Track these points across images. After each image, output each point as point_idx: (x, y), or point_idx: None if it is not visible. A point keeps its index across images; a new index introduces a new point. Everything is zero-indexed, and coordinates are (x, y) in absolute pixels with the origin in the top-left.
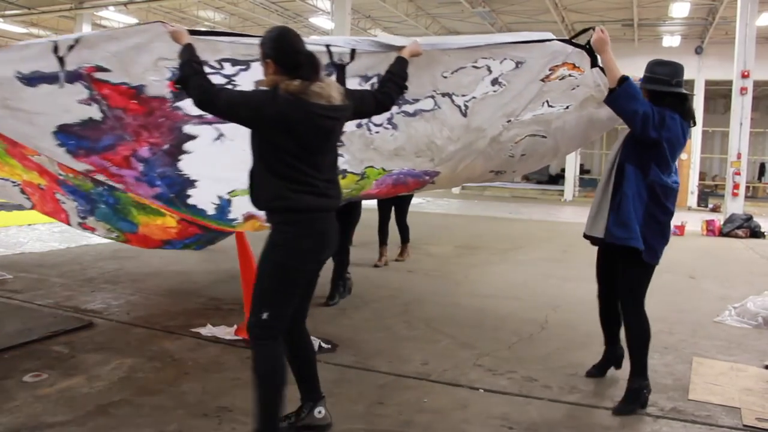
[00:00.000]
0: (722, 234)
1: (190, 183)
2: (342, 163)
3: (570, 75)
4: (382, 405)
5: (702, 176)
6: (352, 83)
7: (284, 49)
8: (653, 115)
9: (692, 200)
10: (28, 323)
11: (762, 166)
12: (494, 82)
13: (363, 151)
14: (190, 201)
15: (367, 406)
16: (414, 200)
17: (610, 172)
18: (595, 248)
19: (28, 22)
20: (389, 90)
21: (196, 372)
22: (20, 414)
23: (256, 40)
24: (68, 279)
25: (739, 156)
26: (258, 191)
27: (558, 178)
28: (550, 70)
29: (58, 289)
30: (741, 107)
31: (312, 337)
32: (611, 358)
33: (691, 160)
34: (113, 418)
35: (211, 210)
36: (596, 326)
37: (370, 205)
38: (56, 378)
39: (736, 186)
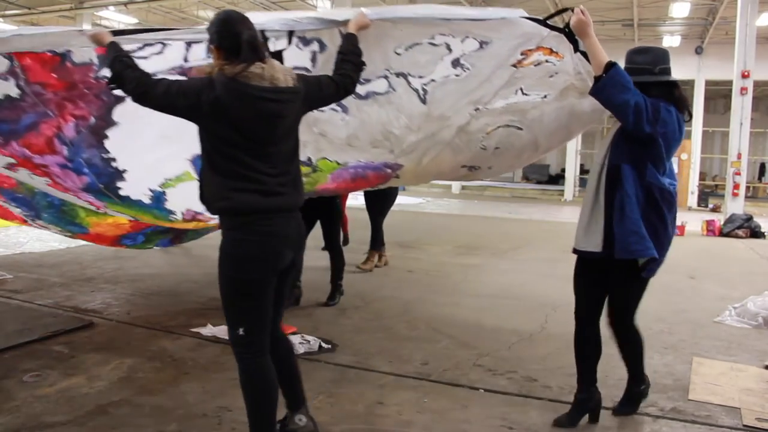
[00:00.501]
0: (722, 234)
1: (119, 175)
2: None
3: (547, 61)
4: (382, 405)
5: (702, 176)
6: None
7: (226, 34)
8: (647, 106)
9: (692, 200)
10: (28, 323)
11: (762, 166)
12: (455, 63)
13: (307, 132)
14: (122, 192)
15: (367, 406)
16: (414, 200)
17: (599, 174)
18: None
19: (28, 22)
20: (347, 70)
21: (196, 372)
22: (20, 414)
23: (188, 33)
24: (68, 279)
25: (739, 156)
26: (204, 191)
27: (558, 178)
28: (522, 54)
29: (58, 289)
30: (741, 107)
31: (312, 337)
32: (587, 404)
33: (691, 160)
34: (113, 418)
35: (146, 200)
36: None
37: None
38: (56, 378)
39: (736, 186)
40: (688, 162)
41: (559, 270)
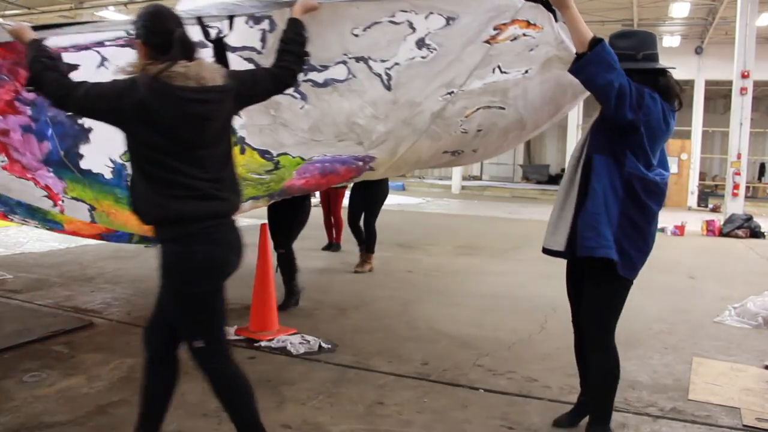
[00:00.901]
0: (722, 234)
1: (85, 134)
2: (239, 126)
3: (524, 34)
4: (382, 405)
5: (702, 176)
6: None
7: (155, 29)
8: (631, 91)
9: (692, 200)
10: (27, 323)
11: (762, 166)
12: (420, 44)
13: (264, 114)
14: (83, 164)
15: (367, 406)
16: (414, 200)
17: (574, 168)
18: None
19: (28, 21)
20: (287, 62)
21: (196, 372)
22: (20, 414)
23: (118, 28)
24: (68, 279)
25: (739, 156)
26: (137, 203)
27: (558, 178)
28: (495, 29)
29: (58, 289)
30: (741, 107)
31: (312, 337)
32: (589, 407)
33: (691, 160)
34: (113, 418)
35: (107, 173)
36: None
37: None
38: (56, 378)
39: (736, 186)
40: (688, 162)
41: (559, 270)
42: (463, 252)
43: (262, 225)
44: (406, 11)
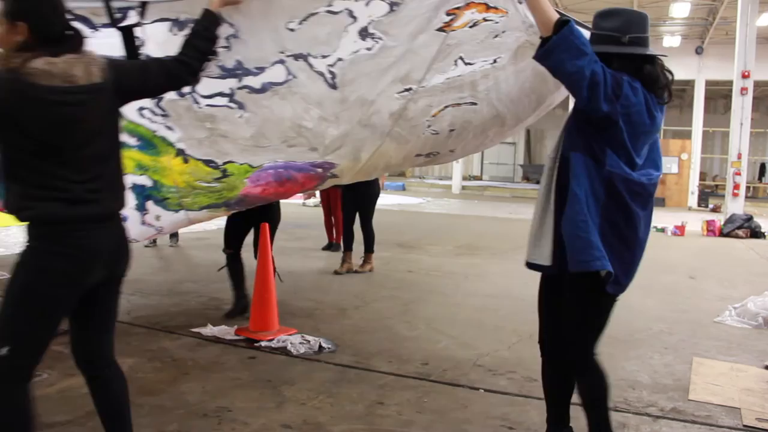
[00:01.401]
0: (722, 234)
1: None
2: (176, 140)
3: (485, 19)
4: (382, 405)
5: (702, 176)
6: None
7: (39, 13)
8: (606, 79)
9: (692, 200)
10: None
11: (762, 166)
12: (364, 34)
13: (198, 128)
14: None
15: (367, 406)
16: (414, 200)
17: (551, 171)
18: None
19: None
20: (187, 57)
21: (196, 372)
22: None
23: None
24: None
25: (739, 156)
26: (8, 199)
27: None
28: (448, 14)
29: None
30: (741, 107)
31: (312, 337)
32: None
33: (691, 160)
34: None
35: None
36: None
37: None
38: (56, 378)
39: (736, 186)
40: (688, 162)
41: None
42: (464, 252)
43: (263, 224)
44: None
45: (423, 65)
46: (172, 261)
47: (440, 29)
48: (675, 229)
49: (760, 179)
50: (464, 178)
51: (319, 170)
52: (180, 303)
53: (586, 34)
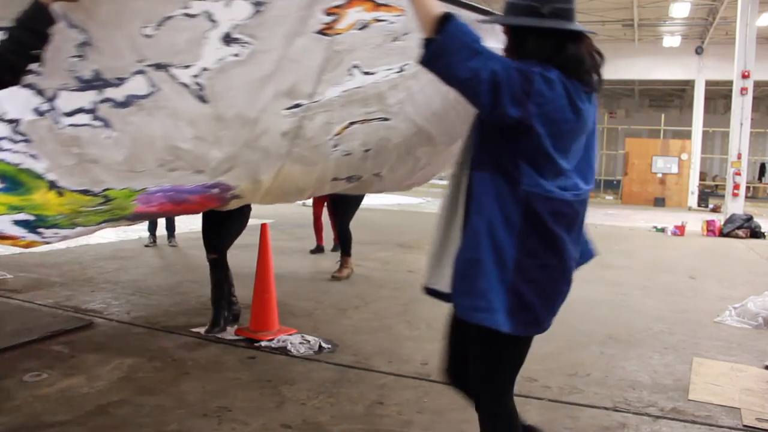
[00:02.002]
0: (722, 234)
1: None
2: (44, 171)
3: (377, 19)
4: (382, 405)
5: (702, 176)
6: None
7: None
8: (510, 76)
9: (692, 200)
10: (28, 323)
11: (762, 166)
12: (228, 39)
13: (64, 154)
14: None
15: (367, 406)
16: (414, 200)
17: (455, 187)
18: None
19: None
20: (3, 49)
21: (196, 372)
22: (20, 414)
23: None
24: (68, 279)
25: (739, 156)
26: None
27: None
28: (329, 13)
29: (58, 288)
30: (741, 107)
31: (312, 337)
32: None
33: (691, 160)
34: (113, 418)
35: None
36: (596, 326)
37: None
38: (56, 378)
39: (736, 186)
40: (688, 162)
41: None
42: None
43: (263, 224)
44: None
45: (310, 76)
46: (171, 261)
47: (321, 32)
48: (675, 229)
49: (760, 179)
50: None
51: (215, 191)
52: (180, 303)
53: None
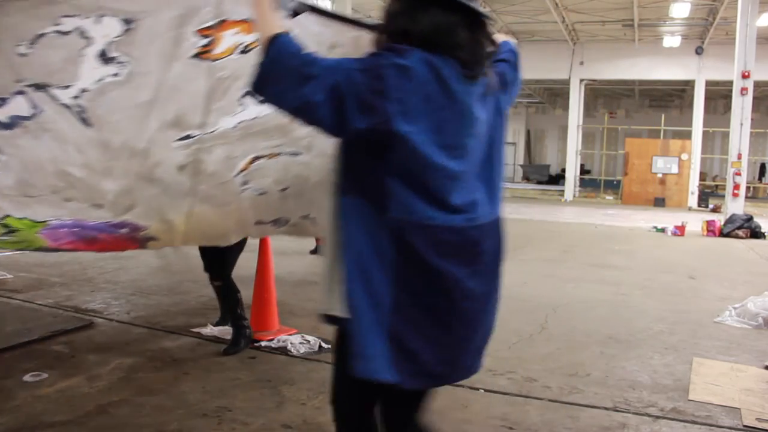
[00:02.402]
0: (723, 234)
1: None
2: None
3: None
4: None
5: (702, 176)
6: None
7: None
8: (353, 82)
9: (693, 200)
10: (28, 323)
11: (762, 166)
12: (105, 58)
13: None
14: None
15: None
16: None
17: (333, 215)
18: (594, 247)
19: None
20: None
21: (196, 372)
22: (20, 414)
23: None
24: (68, 279)
25: (739, 156)
26: None
27: (558, 178)
28: (203, 35)
29: (58, 288)
30: (741, 108)
31: (312, 337)
32: None
33: (691, 160)
34: (113, 418)
35: None
36: (596, 325)
37: None
38: (56, 378)
39: (736, 186)
40: (688, 162)
41: (559, 270)
42: None
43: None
44: (71, 15)
45: (197, 105)
46: (171, 261)
47: (198, 56)
48: (675, 230)
49: (760, 179)
50: None
51: (124, 231)
52: (180, 303)
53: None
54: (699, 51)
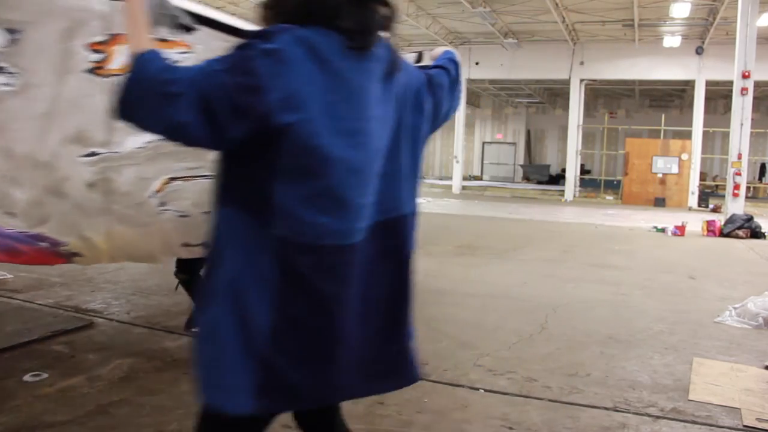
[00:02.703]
0: (723, 234)
1: None
2: None
3: None
4: (382, 405)
5: (702, 177)
6: None
7: None
8: (221, 85)
9: (693, 201)
10: (28, 323)
11: (762, 166)
12: None
13: None
14: None
15: (367, 406)
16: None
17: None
18: (595, 247)
19: None
20: None
21: None
22: (20, 414)
23: None
24: (68, 278)
25: (739, 156)
26: None
27: (558, 178)
28: (95, 50)
29: (58, 288)
30: (742, 108)
31: None
32: None
33: (691, 160)
34: (113, 418)
35: None
36: (596, 325)
37: None
38: (56, 378)
39: (736, 186)
40: (688, 162)
41: (559, 270)
42: (464, 252)
43: None
44: None
45: (98, 122)
46: (171, 261)
47: (92, 72)
48: (675, 230)
49: (760, 179)
50: (464, 178)
51: (44, 245)
52: (180, 303)
53: None
54: (699, 51)
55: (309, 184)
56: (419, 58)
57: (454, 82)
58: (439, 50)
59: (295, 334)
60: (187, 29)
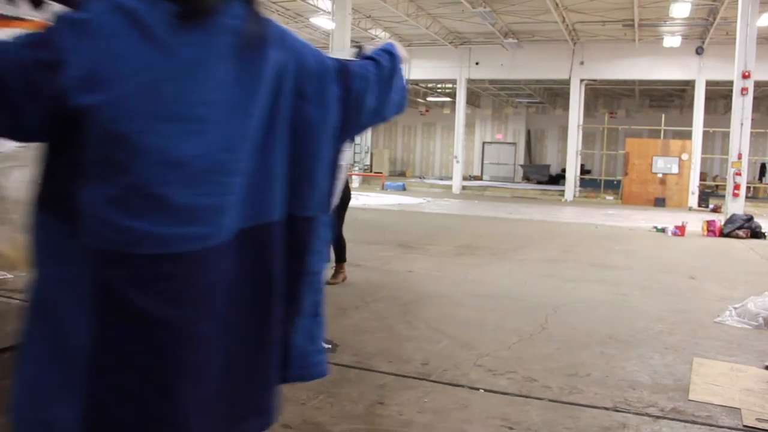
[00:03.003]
0: (723, 234)
1: None
2: None
3: None
4: (382, 405)
5: (702, 177)
6: None
7: None
8: (18, 60)
9: (693, 201)
10: None
11: (763, 166)
12: None
13: None
14: None
15: (367, 406)
16: (414, 200)
17: None
18: (595, 247)
19: None
20: None
21: None
22: None
23: None
24: None
25: (739, 156)
26: None
27: (558, 178)
28: None
29: None
30: (742, 108)
31: None
32: None
33: (691, 160)
34: None
35: None
36: (596, 325)
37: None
38: None
39: (736, 186)
40: (688, 162)
41: (559, 270)
42: (464, 252)
43: None
44: None
45: None
46: None
47: None
48: (675, 230)
49: (760, 179)
50: (464, 178)
51: None
52: None
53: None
54: (699, 51)
55: (117, 181)
56: (359, 52)
57: (389, 74)
58: (379, 43)
59: (118, 360)
60: (36, 4)
